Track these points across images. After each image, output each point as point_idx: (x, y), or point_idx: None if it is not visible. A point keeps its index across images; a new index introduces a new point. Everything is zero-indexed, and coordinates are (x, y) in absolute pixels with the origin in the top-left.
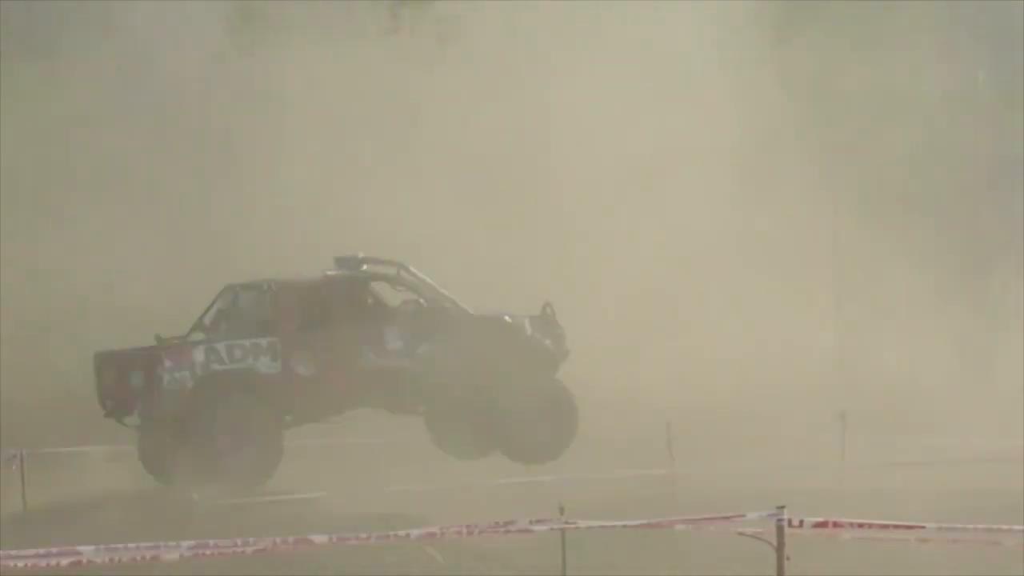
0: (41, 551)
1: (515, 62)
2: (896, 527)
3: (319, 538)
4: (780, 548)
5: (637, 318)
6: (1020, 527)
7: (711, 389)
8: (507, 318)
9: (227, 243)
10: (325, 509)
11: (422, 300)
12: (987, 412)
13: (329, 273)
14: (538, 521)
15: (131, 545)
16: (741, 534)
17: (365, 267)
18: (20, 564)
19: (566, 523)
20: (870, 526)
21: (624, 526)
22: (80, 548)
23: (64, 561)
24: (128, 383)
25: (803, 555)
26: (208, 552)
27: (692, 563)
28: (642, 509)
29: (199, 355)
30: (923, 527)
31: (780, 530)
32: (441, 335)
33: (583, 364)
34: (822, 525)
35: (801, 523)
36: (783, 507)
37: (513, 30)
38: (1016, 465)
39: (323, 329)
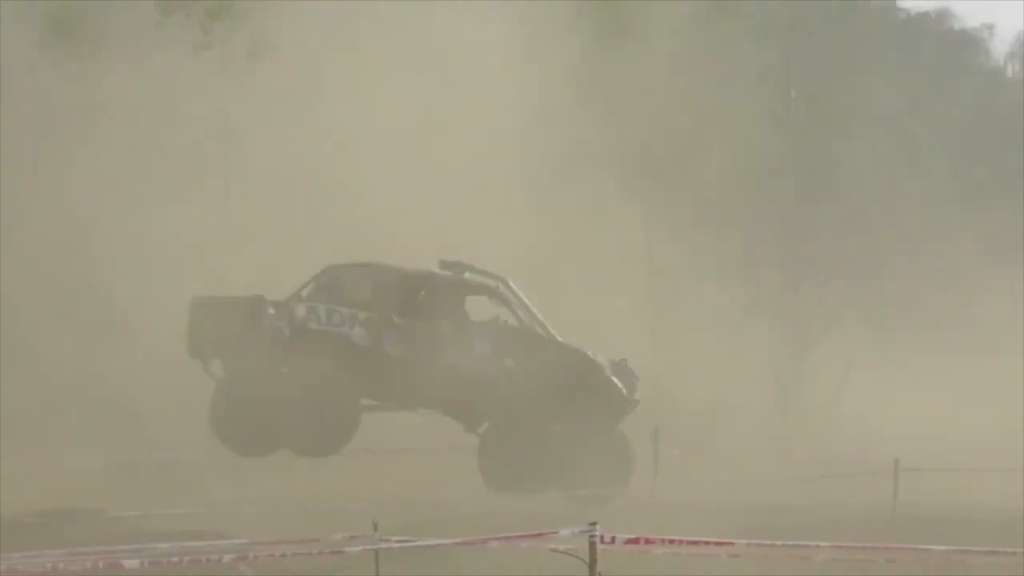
0: None
1: (326, 75)
2: (707, 543)
3: (130, 563)
4: (592, 564)
5: None
6: (829, 543)
7: None
8: (590, 353)
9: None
10: (136, 527)
11: (517, 317)
12: (795, 427)
13: (435, 270)
14: (352, 538)
15: None
16: (554, 551)
17: (467, 274)
18: None
19: (380, 540)
20: (681, 542)
21: (438, 544)
22: None
23: None
24: (226, 326)
25: (616, 570)
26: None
27: None
28: (456, 527)
29: (300, 310)
30: (733, 543)
31: (592, 546)
32: (526, 355)
33: None
34: (634, 541)
35: (613, 539)
36: (595, 524)
37: (324, 44)
38: (824, 481)
39: (418, 318)
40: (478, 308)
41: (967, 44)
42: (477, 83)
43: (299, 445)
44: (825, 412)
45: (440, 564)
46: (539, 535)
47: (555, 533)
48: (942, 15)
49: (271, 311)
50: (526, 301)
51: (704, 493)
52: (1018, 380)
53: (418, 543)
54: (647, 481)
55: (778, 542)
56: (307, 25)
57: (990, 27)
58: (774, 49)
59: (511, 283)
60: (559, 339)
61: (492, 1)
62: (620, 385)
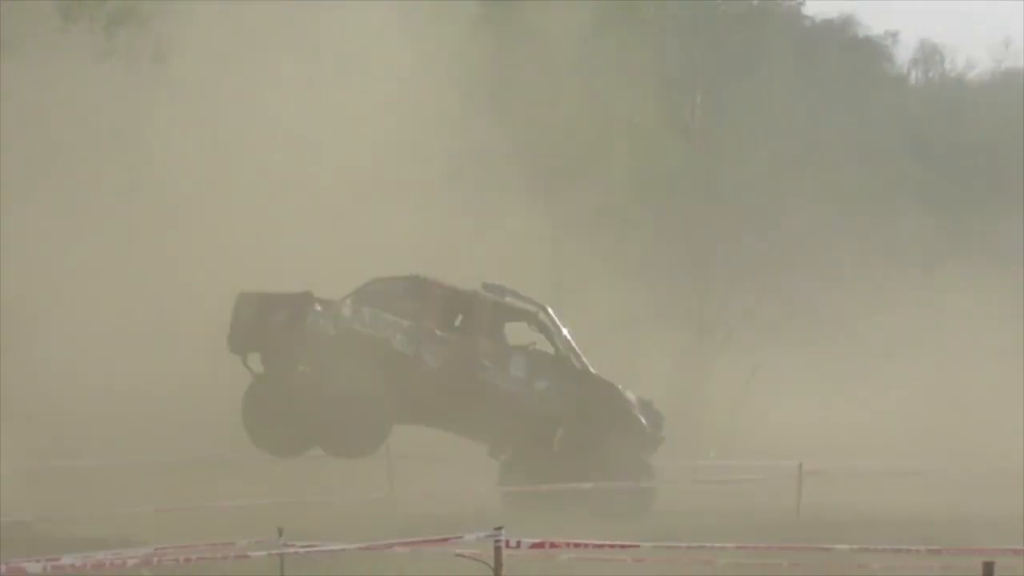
0: None
1: (227, 80)
2: (611, 546)
3: (32, 568)
4: (497, 568)
5: None
6: (733, 544)
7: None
8: (619, 387)
9: None
10: (39, 532)
11: (553, 345)
12: (704, 429)
13: (479, 291)
14: (257, 543)
15: None
16: (460, 555)
17: (508, 299)
18: None
19: (285, 545)
20: (586, 546)
21: (343, 548)
22: None
23: None
24: (270, 320)
25: (522, 575)
26: None
27: None
28: (361, 532)
29: (346, 310)
30: (638, 545)
31: (498, 551)
32: (559, 382)
33: None
34: (539, 545)
35: (519, 544)
36: (501, 528)
37: (226, 49)
38: (729, 484)
39: (459, 333)
40: (517, 333)
41: (871, 51)
42: (379, 86)
43: (331, 445)
44: (731, 416)
45: (345, 568)
46: (444, 540)
47: (460, 538)
48: (846, 22)
49: (318, 308)
50: (564, 330)
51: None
52: (918, 382)
53: (322, 547)
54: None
55: (682, 544)
56: (210, 29)
57: (894, 34)
58: (679, 54)
59: (550, 311)
60: (592, 370)
61: (395, 3)
62: (644, 422)
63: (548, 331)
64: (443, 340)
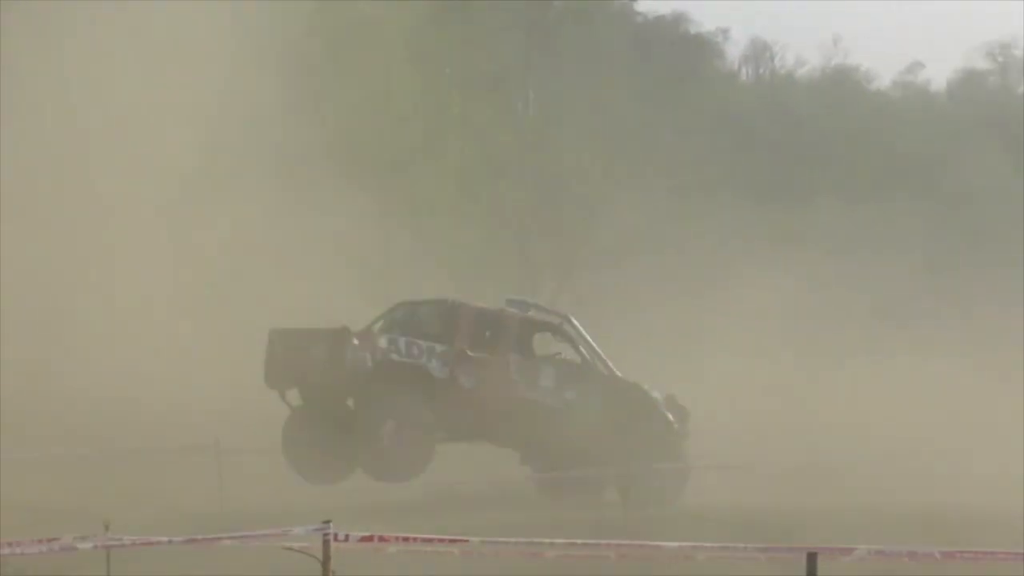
0: None
1: (58, 73)
2: (440, 540)
3: None
4: (326, 562)
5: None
6: (559, 540)
7: (263, 402)
8: (645, 387)
9: None
10: None
11: (579, 353)
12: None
13: (505, 308)
14: (82, 538)
15: None
16: (288, 548)
17: (532, 312)
18: None
19: (111, 539)
20: (415, 539)
21: (170, 542)
22: None
23: None
24: (307, 356)
25: (350, 569)
26: None
27: None
28: (190, 524)
29: (382, 341)
30: (467, 540)
31: (326, 544)
32: (588, 388)
33: (129, 375)
34: (368, 539)
35: (347, 537)
36: (329, 521)
37: (55, 43)
38: (558, 478)
39: (490, 352)
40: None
41: (702, 48)
42: (209, 80)
43: (377, 472)
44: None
45: (173, 563)
46: (272, 533)
47: (289, 531)
48: (678, 19)
49: (356, 342)
50: (588, 337)
51: (438, 491)
52: (755, 377)
53: (149, 540)
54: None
55: (510, 539)
56: (39, 20)
57: (725, 31)
58: (513, 49)
59: (574, 320)
60: (618, 374)
61: (229, 3)
62: (672, 419)
63: (573, 340)
64: (475, 361)
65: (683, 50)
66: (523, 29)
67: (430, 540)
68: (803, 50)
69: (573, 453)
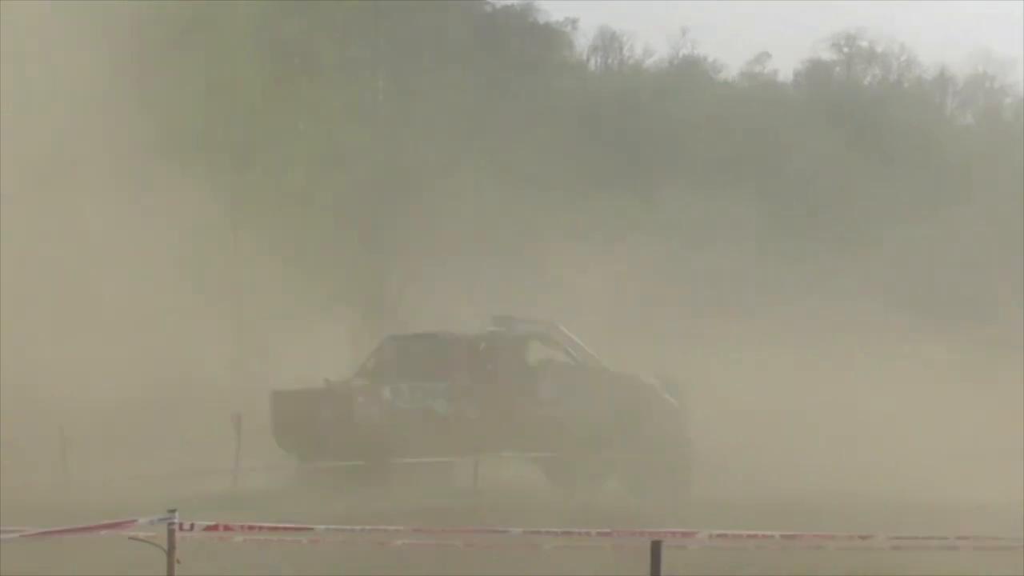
0: None
1: None
2: (286, 528)
3: None
4: (171, 551)
5: (40, 316)
6: (405, 527)
7: (107, 393)
8: (641, 376)
9: None
10: None
11: (569, 355)
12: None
13: (492, 329)
14: None
15: None
16: (133, 538)
17: (520, 327)
18: None
19: None
20: (261, 528)
21: (10, 533)
22: None
23: None
24: (317, 418)
25: (197, 558)
26: None
27: (84, 570)
28: (33, 517)
29: (387, 394)
30: (312, 528)
31: (171, 534)
32: (586, 386)
33: None
34: (213, 528)
35: (192, 527)
36: (174, 511)
37: None
38: (408, 466)
39: (488, 378)
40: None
41: (551, 37)
42: (52, 74)
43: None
44: None
45: (15, 557)
46: (117, 524)
47: (134, 521)
48: (526, 9)
49: (360, 399)
50: (576, 339)
51: (290, 479)
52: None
53: None
54: (229, 471)
55: (357, 527)
56: None
57: (574, 21)
58: (361, 39)
59: (560, 326)
60: (611, 370)
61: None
62: (672, 400)
63: (561, 344)
64: (475, 391)
65: (532, 40)
66: (372, 18)
67: (276, 528)
68: (651, 40)
69: (586, 452)
